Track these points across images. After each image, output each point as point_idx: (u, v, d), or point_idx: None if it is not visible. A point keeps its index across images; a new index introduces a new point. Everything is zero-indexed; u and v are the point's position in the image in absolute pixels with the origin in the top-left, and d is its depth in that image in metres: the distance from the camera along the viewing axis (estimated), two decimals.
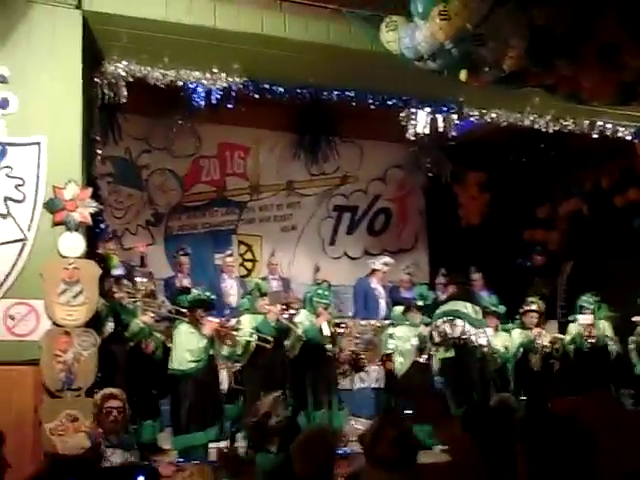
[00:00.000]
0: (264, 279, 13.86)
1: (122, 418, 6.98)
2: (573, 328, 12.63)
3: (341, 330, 11.86)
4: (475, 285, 13.99)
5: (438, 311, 11.81)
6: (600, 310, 12.73)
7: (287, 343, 11.03)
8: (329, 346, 11.43)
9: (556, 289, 15.68)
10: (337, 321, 11.91)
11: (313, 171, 15.71)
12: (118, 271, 10.71)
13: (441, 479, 4.04)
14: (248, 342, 10.66)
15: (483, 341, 11.58)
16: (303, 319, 11.38)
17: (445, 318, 11.51)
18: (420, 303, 12.31)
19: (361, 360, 12.14)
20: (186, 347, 10.18)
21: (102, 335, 8.67)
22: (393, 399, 11.84)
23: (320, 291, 11.71)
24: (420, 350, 11.94)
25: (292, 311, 11.82)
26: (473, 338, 11.45)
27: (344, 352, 12.01)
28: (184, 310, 10.55)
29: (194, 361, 10.14)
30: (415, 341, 11.95)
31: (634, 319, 12.53)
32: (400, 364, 11.93)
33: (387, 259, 14.69)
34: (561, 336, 12.76)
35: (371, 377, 12.62)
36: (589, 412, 3.16)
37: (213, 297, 10.87)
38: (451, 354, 11.58)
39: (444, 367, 11.71)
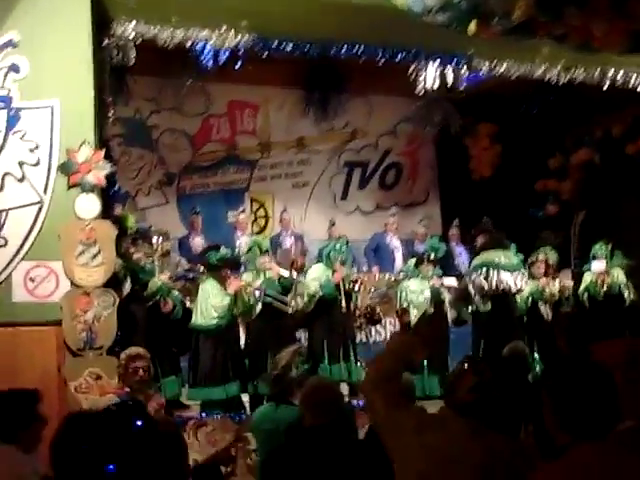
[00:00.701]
0: (278, 235, 13.98)
1: (148, 377, 7.07)
2: (587, 277, 12.68)
3: (357, 287, 11.91)
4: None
5: (472, 264, 11.89)
6: (614, 258, 12.76)
7: (295, 299, 11.13)
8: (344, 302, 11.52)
9: (569, 239, 15.70)
10: (353, 278, 11.92)
11: (323, 127, 15.70)
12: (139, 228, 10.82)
13: None
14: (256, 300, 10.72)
15: (520, 284, 11.67)
16: (320, 274, 11.44)
17: (480, 271, 11.58)
18: (432, 256, 12.35)
19: (377, 314, 12.22)
20: (211, 303, 10.27)
21: (121, 295, 8.77)
22: None
23: (338, 246, 11.73)
24: (434, 303, 12.01)
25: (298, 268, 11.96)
26: (511, 285, 11.54)
27: (360, 306, 12.08)
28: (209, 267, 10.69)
29: (217, 317, 10.24)
30: (428, 293, 12.01)
31: None
32: (415, 317, 12.00)
33: (392, 210, 14.80)
34: (569, 284, 12.82)
35: (387, 330, 12.72)
36: (608, 358, 3.20)
37: (241, 257, 10.96)
38: (487, 308, 11.67)
39: (478, 321, 11.82)
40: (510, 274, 11.65)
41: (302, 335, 11.62)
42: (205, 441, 8.55)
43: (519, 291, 11.87)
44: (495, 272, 11.58)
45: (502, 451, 3.69)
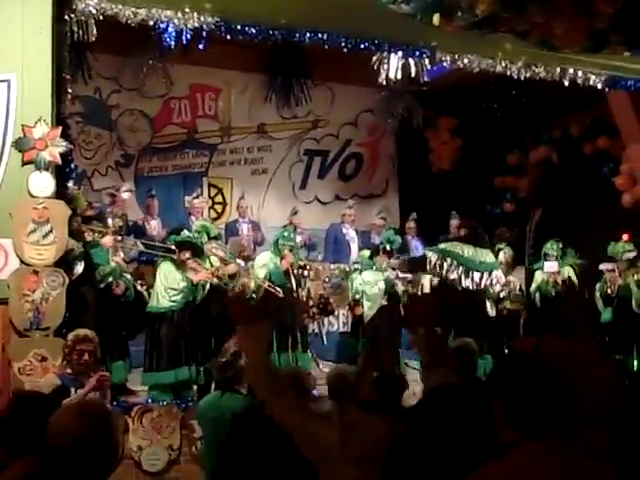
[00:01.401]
0: (235, 222, 13.92)
1: (92, 361, 6.99)
2: (539, 275, 12.76)
3: (306, 272, 11.89)
4: (452, 231, 14.09)
5: (438, 246, 11.93)
6: (565, 257, 12.85)
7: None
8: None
9: (525, 236, 15.80)
10: (302, 264, 11.92)
11: (284, 114, 15.66)
12: (88, 212, 10.65)
13: None
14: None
15: (486, 283, 11.71)
16: (267, 261, 11.40)
17: (440, 255, 11.60)
18: (387, 247, 12.35)
19: (330, 304, 12.20)
20: (166, 285, 10.19)
21: (72, 275, 8.65)
22: (360, 344, 11.90)
23: (286, 233, 11.70)
24: (387, 294, 12.02)
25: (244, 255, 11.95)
26: (466, 282, 11.56)
27: (313, 296, 12.06)
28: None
29: (173, 301, 10.16)
30: (382, 285, 12.01)
31: (601, 267, 12.64)
32: (368, 308, 11.99)
33: (349, 202, 14.82)
34: (513, 279, 12.90)
35: (339, 321, 12.72)
36: (548, 354, 3.19)
37: (202, 242, 10.87)
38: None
39: None
40: (479, 272, 11.67)
41: None
42: (150, 427, 8.49)
43: (486, 289, 11.89)
44: (456, 264, 11.58)
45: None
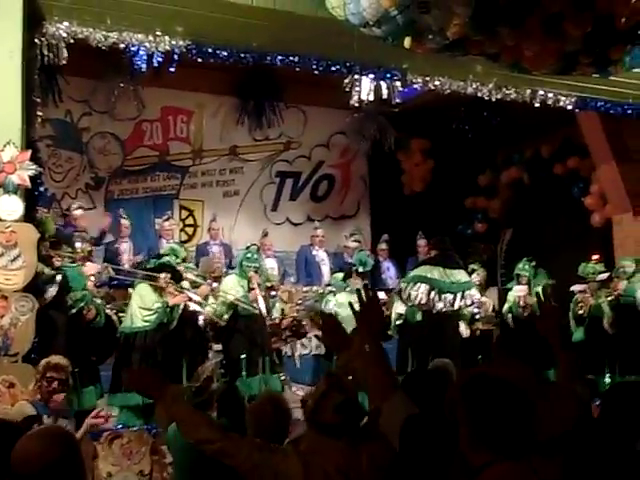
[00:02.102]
0: (205, 244, 13.87)
1: (62, 390, 6.91)
2: (510, 296, 12.77)
3: (273, 293, 11.79)
4: (420, 251, 14.14)
5: (408, 276, 11.88)
6: (537, 277, 12.86)
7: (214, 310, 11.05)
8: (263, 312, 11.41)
9: (496, 256, 15.85)
10: (269, 285, 11.82)
11: (256, 136, 15.67)
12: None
13: None
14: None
15: (460, 304, 11.68)
16: (235, 284, 11.33)
17: (411, 283, 11.56)
18: (360, 269, 12.32)
19: (302, 327, 12.14)
20: (141, 305, 10.09)
21: (44, 300, 8.56)
22: (334, 366, 11.85)
23: (249, 255, 11.58)
24: None
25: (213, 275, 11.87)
26: (440, 304, 11.52)
27: (285, 318, 12.00)
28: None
29: (146, 321, 10.07)
30: (357, 307, 11.94)
31: (572, 288, 12.67)
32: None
33: (316, 223, 14.84)
34: (485, 300, 12.91)
35: (312, 344, 12.66)
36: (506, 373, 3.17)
37: (184, 268, 10.81)
38: (419, 318, 11.67)
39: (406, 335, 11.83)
40: (452, 294, 11.63)
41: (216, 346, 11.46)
42: (120, 453, 8.40)
43: (460, 309, 11.87)
44: (427, 288, 11.54)
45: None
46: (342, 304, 11.94)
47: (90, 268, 10.16)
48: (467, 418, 2.99)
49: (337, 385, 3.86)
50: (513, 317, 12.61)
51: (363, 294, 3.95)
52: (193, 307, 10.61)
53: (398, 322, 12.05)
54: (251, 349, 10.95)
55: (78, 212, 12.24)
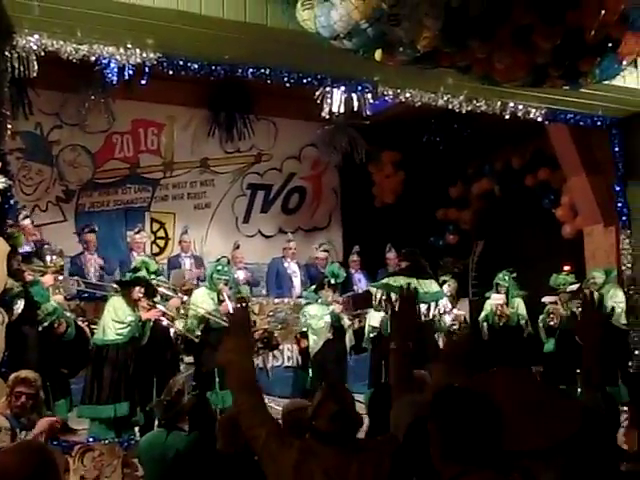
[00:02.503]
0: (177, 257, 13.84)
1: (31, 404, 6.86)
2: (487, 305, 12.81)
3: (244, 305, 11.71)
4: (389, 263, 14.18)
5: (378, 282, 11.89)
6: (513, 288, 12.94)
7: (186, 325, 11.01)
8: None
9: (468, 268, 15.89)
10: (239, 296, 11.78)
11: (227, 149, 15.67)
12: (26, 249, 10.49)
13: None
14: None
15: (433, 312, 11.71)
16: (205, 297, 11.30)
17: (382, 290, 11.56)
18: (332, 281, 12.33)
19: (274, 338, 12.11)
20: (114, 318, 10.02)
21: (12, 315, 8.49)
22: (309, 377, 11.85)
23: (219, 267, 11.56)
24: (333, 327, 11.99)
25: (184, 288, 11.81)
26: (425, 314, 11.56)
27: (257, 330, 11.96)
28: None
29: (118, 334, 10.01)
30: (328, 318, 11.98)
31: (544, 299, 12.74)
32: (314, 342, 11.93)
33: (289, 235, 14.84)
34: (459, 312, 12.96)
35: (284, 356, 12.65)
36: (496, 388, 3.19)
37: (155, 281, 10.77)
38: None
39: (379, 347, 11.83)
40: (425, 304, 11.65)
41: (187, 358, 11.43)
42: (91, 466, 8.33)
43: (434, 318, 11.89)
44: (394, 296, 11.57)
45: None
46: (314, 316, 11.98)
47: (47, 279, 10.08)
48: (436, 431, 3.01)
49: (333, 395, 3.97)
50: (488, 326, 12.66)
51: (403, 293, 4.16)
52: (166, 322, 10.58)
53: (372, 335, 12.08)
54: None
55: (26, 222, 12.18)
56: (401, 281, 11.64)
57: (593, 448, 3.50)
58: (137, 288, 10.25)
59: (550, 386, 3.42)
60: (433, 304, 11.69)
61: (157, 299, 10.70)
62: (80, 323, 10.62)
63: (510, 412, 3.03)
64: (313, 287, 12.62)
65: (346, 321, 12.24)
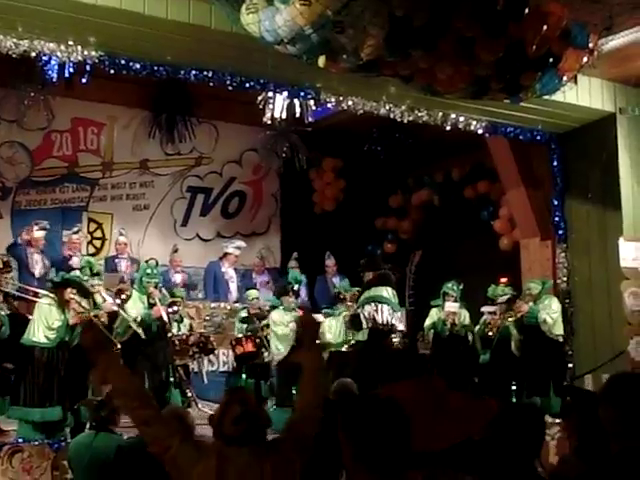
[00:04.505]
0: (113, 258, 13.71)
1: None
2: (435, 313, 12.75)
3: (175, 308, 11.56)
4: (328, 270, 14.20)
5: (363, 297, 11.77)
6: (460, 299, 12.96)
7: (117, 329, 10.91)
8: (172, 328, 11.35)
9: (405, 277, 15.96)
10: (170, 300, 11.65)
11: (168, 150, 15.58)
12: None
13: None
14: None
15: (401, 326, 11.74)
16: (136, 301, 11.20)
17: (372, 304, 11.51)
18: (295, 287, 12.36)
19: (210, 343, 12.05)
20: (42, 321, 9.89)
21: None
22: (243, 382, 11.79)
23: (149, 270, 11.45)
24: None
25: (123, 296, 11.63)
26: (395, 322, 11.57)
27: (193, 334, 11.89)
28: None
29: (49, 338, 9.87)
30: (293, 325, 11.97)
31: (482, 309, 12.81)
32: (277, 349, 11.90)
33: (239, 243, 14.77)
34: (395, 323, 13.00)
35: (220, 360, 12.60)
36: (407, 394, 3.22)
37: (94, 281, 10.65)
38: (364, 338, 11.62)
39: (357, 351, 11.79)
40: (394, 312, 11.70)
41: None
42: (20, 467, 8.23)
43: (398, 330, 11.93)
44: (382, 306, 11.57)
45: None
46: (279, 322, 11.96)
47: None
48: (345, 439, 3.03)
49: (236, 398, 3.99)
50: (434, 334, 12.67)
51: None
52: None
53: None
54: (153, 365, 10.85)
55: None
56: (380, 291, 11.68)
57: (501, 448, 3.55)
58: (69, 289, 10.13)
59: (453, 391, 3.45)
60: (396, 313, 11.73)
61: (85, 304, 10.54)
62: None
63: (411, 416, 3.06)
64: (254, 293, 12.66)
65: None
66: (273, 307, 12.48)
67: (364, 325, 11.64)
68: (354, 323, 11.78)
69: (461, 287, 12.84)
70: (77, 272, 10.57)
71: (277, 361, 11.89)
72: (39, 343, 9.85)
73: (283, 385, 11.45)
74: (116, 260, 13.75)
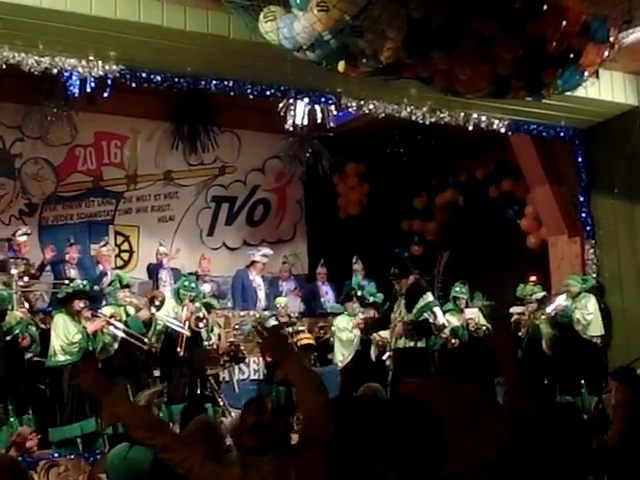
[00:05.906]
0: (157, 265, 13.70)
1: None
2: (451, 318, 12.67)
3: (201, 325, 11.48)
4: (357, 275, 14.19)
5: (419, 305, 11.57)
6: (474, 299, 12.90)
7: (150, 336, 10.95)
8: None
9: (433, 279, 15.91)
10: (200, 315, 11.57)
11: (191, 161, 15.62)
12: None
13: None
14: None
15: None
16: (169, 310, 11.27)
17: (429, 310, 11.43)
18: (359, 293, 12.40)
19: (240, 351, 12.07)
20: (62, 339, 9.94)
21: None
22: (274, 390, 11.78)
23: (187, 282, 11.56)
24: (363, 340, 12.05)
25: (157, 302, 11.65)
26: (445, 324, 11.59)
27: (223, 343, 11.92)
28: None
29: (71, 354, 9.91)
30: (357, 331, 11.97)
31: (511, 310, 12.71)
32: (342, 355, 11.92)
33: (266, 250, 14.74)
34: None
35: (250, 369, 12.61)
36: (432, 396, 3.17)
37: (92, 287, 10.69)
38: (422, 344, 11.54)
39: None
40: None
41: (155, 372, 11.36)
42: None
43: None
44: (436, 309, 11.48)
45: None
46: (343, 329, 12.04)
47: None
48: (378, 440, 3.00)
49: (251, 409, 4.02)
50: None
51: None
52: (114, 331, 10.47)
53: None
54: (190, 375, 10.92)
55: (22, 238, 12.07)
56: (430, 296, 11.61)
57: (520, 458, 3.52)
58: (76, 301, 10.19)
59: (483, 396, 3.38)
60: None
61: (130, 310, 10.63)
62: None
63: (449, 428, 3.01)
64: (283, 300, 12.73)
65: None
66: (336, 314, 12.78)
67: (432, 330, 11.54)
68: (419, 330, 11.49)
69: (468, 288, 12.76)
70: (78, 281, 10.64)
71: (341, 367, 12.04)
72: (62, 362, 9.91)
73: (346, 390, 11.36)
74: (161, 268, 13.65)
